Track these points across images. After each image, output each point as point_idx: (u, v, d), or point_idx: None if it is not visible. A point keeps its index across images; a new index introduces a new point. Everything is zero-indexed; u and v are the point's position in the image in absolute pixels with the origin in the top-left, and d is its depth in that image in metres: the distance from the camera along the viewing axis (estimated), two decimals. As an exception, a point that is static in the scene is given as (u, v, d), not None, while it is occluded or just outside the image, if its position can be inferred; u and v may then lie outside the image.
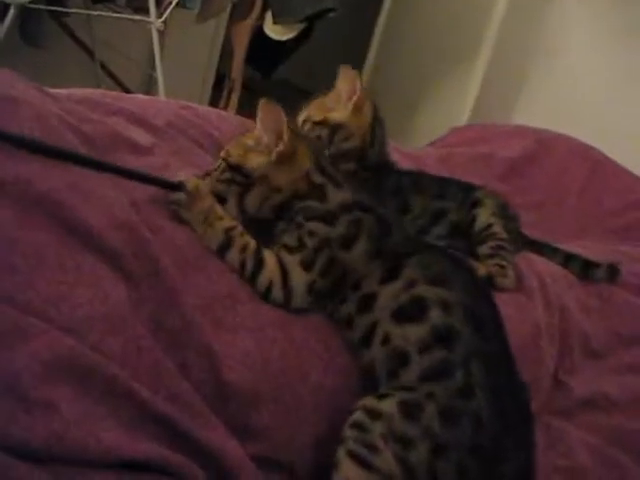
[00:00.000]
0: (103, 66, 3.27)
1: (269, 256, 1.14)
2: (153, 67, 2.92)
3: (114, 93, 1.56)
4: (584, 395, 1.43)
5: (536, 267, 1.56)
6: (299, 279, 1.13)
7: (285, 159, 1.19)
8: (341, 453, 0.98)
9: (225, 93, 3.53)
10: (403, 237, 1.21)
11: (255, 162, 1.20)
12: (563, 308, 1.51)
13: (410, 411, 0.99)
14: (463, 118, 3.33)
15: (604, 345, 1.57)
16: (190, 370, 1.00)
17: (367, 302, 1.12)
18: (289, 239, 1.16)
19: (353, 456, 0.97)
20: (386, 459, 0.97)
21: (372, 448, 0.97)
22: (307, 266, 1.14)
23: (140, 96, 1.73)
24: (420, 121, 3.63)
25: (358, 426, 0.99)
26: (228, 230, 1.14)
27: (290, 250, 1.15)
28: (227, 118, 1.68)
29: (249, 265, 1.13)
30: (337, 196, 1.19)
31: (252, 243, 1.14)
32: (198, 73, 3.73)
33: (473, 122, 3.24)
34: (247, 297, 1.11)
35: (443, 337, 1.05)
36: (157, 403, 0.91)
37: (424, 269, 1.12)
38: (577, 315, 1.54)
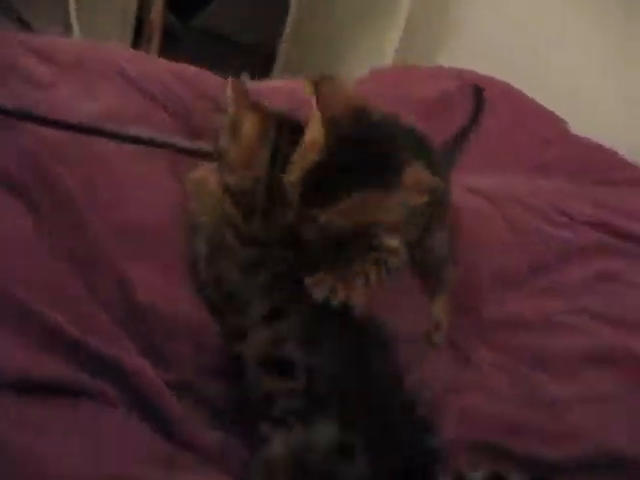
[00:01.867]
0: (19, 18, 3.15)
1: None
2: (67, 11, 2.83)
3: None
4: (497, 317, 1.47)
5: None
6: None
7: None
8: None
9: (144, 40, 3.45)
10: None
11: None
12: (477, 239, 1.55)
13: None
14: (387, 60, 3.32)
15: (517, 274, 1.61)
16: (99, 292, 1.00)
17: None
18: None
19: None
20: None
21: None
22: None
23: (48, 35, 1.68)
24: (343, 63, 3.61)
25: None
26: None
27: None
28: (141, 56, 1.65)
29: None
30: None
31: None
32: (116, 18, 3.62)
33: (397, 64, 3.23)
34: (154, 227, 1.10)
35: None
36: (66, 326, 0.91)
37: None
38: (491, 246, 1.58)
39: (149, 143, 1.19)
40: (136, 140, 1.18)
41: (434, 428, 1.06)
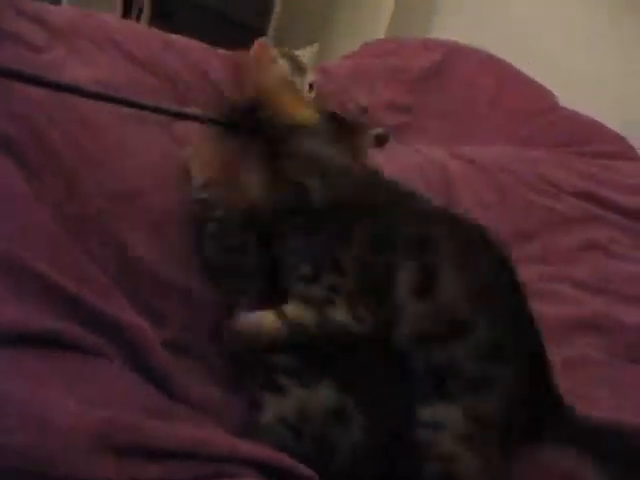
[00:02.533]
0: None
1: None
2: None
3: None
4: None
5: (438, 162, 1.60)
6: None
7: None
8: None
9: (134, 14, 3.43)
10: None
11: None
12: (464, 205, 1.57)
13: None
14: (379, 35, 3.32)
15: (502, 241, 1.62)
16: (95, 254, 1.01)
17: None
18: None
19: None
20: None
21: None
22: None
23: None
24: (335, 38, 3.61)
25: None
26: None
27: None
28: (132, 25, 1.65)
29: None
30: None
31: None
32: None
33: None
34: (148, 191, 1.12)
35: None
36: (62, 281, 0.92)
37: None
38: (477, 212, 1.60)
39: (142, 107, 1.20)
40: (130, 104, 1.18)
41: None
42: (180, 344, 1.04)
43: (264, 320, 0.99)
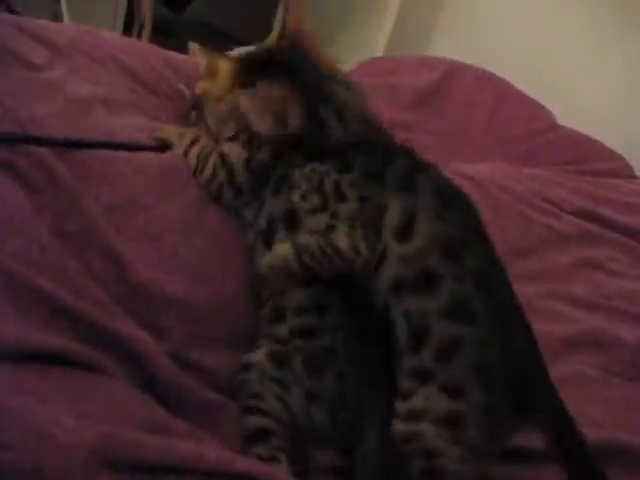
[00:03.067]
0: (7, 4, 3.15)
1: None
2: (58, 3, 2.84)
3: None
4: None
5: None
6: (237, 157, 1.19)
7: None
8: (239, 411, 1.04)
9: (134, 32, 3.45)
10: None
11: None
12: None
13: (278, 360, 1.05)
14: (378, 53, 3.34)
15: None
16: (95, 270, 1.02)
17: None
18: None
19: (246, 409, 1.03)
20: (271, 402, 1.03)
21: (257, 396, 1.03)
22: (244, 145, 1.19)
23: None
24: (337, 57, 3.62)
25: (240, 382, 1.06)
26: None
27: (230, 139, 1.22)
28: (132, 42, 1.67)
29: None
30: None
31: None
32: (107, 10, 3.63)
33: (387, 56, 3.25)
34: (148, 205, 1.13)
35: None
36: (63, 297, 0.93)
37: None
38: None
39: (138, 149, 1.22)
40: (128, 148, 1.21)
41: None
42: (180, 357, 1.05)
43: (280, 249, 1.05)
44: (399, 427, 0.95)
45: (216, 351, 1.09)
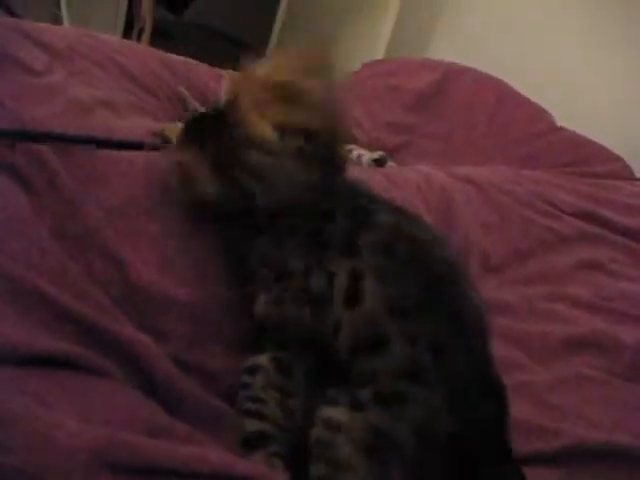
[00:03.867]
0: (7, 7, 3.15)
1: None
2: (58, 6, 2.84)
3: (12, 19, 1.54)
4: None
5: (438, 182, 1.61)
6: None
7: None
8: (238, 413, 1.03)
9: (134, 35, 3.45)
10: None
11: None
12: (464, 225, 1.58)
13: (282, 367, 1.04)
14: (378, 54, 3.34)
15: (502, 260, 1.64)
16: (96, 273, 1.02)
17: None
18: None
19: (246, 412, 1.02)
20: (272, 408, 1.01)
21: (258, 400, 1.02)
22: None
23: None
24: (337, 58, 3.63)
25: (243, 385, 1.05)
26: None
27: None
28: (131, 45, 1.67)
29: None
30: None
31: None
32: (107, 13, 3.63)
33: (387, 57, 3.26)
34: (148, 206, 1.12)
35: None
36: (64, 300, 0.93)
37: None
38: (477, 232, 1.61)
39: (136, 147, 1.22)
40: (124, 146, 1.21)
41: None
42: (182, 360, 1.04)
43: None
44: (318, 431, 0.92)
45: (217, 354, 1.09)
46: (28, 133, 1.08)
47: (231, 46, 4.27)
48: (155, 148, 1.23)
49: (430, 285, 0.98)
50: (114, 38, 1.66)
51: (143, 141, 1.22)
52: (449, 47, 3.23)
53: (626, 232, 1.94)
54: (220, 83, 1.72)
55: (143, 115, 1.35)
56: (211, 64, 1.84)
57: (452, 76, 2.47)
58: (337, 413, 0.91)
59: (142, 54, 1.59)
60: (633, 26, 2.76)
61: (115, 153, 1.16)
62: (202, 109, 1.54)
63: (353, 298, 0.97)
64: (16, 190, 1.01)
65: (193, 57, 1.81)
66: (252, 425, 1.01)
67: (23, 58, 1.27)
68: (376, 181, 1.56)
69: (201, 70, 1.77)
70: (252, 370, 1.05)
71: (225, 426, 1.00)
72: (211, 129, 1.13)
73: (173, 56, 1.70)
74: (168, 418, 0.92)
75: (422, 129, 2.18)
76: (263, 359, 1.05)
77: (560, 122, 2.47)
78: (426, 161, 2.03)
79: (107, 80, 1.39)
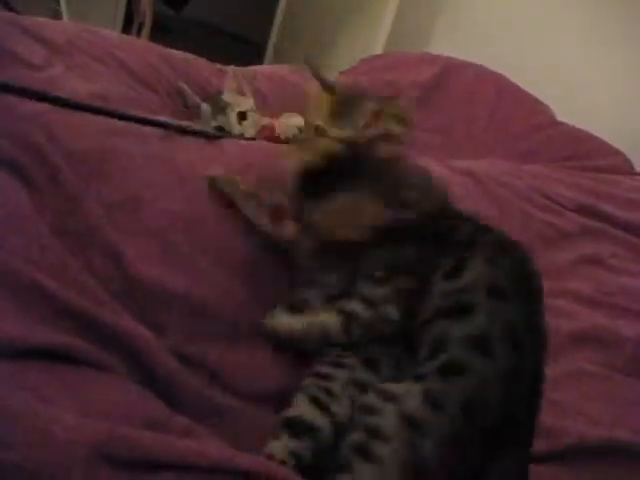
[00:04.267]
0: (5, 2, 3.15)
1: None
2: (57, 1, 2.84)
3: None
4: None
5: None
6: None
7: None
8: (300, 396, 1.02)
9: (134, 30, 3.44)
10: None
11: None
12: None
13: (370, 363, 1.04)
14: (377, 51, 3.34)
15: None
16: (96, 269, 1.02)
17: None
18: None
19: (312, 399, 1.01)
20: (343, 407, 1.01)
21: (332, 395, 1.02)
22: None
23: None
24: (336, 55, 3.63)
25: (322, 375, 1.04)
26: None
27: None
28: (130, 40, 1.66)
29: None
30: None
31: None
32: (107, 7, 3.62)
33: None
34: (148, 200, 1.12)
35: None
36: (65, 295, 0.93)
37: None
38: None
39: (147, 122, 1.21)
40: (135, 119, 1.20)
41: None
42: (181, 353, 1.04)
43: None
44: (368, 398, 0.95)
45: (217, 347, 1.09)
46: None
47: (231, 42, 4.27)
48: (182, 130, 1.23)
49: (523, 287, 1.05)
50: (113, 33, 1.65)
51: (167, 121, 1.22)
52: (449, 44, 3.23)
53: (627, 227, 1.93)
54: (221, 78, 1.72)
55: (142, 110, 1.35)
56: (211, 60, 1.84)
57: (452, 70, 2.46)
58: (395, 386, 0.94)
59: (141, 49, 1.59)
60: (633, 24, 2.76)
61: (114, 148, 1.16)
62: (206, 106, 1.54)
63: (453, 272, 1.02)
64: (16, 186, 1.01)
65: (193, 53, 1.80)
66: (308, 412, 1.00)
67: (22, 53, 1.27)
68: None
69: (201, 65, 1.77)
70: (338, 364, 1.05)
71: (227, 420, 0.99)
72: (364, 170, 1.18)
73: (172, 51, 1.70)
74: (168, 412, 0.92)
75: (422, 124, 2.16)
76: (351, 357, 1.06)
77: (560, 118, 2.46)
78: (426, 155, 2.02)
79: (106, 75, 1.39)
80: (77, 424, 0.78)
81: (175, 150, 1.24)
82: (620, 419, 1.22)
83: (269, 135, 1.62)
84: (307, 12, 3.85)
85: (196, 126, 1.34)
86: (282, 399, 1.10)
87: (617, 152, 2.37)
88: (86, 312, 0.94)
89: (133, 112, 1.27)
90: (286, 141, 1.61)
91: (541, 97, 2.52)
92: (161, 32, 3.50)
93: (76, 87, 1.26)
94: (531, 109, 2.43)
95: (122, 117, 1.19)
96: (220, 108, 1.53)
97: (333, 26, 3.69)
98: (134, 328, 0.98)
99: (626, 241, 1.89)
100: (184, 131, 1.27)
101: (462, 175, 1.76)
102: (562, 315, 1.52)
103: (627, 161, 2.37)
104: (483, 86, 2.44)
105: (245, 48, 4.21)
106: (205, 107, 1.54)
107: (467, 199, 1.66)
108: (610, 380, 1.35)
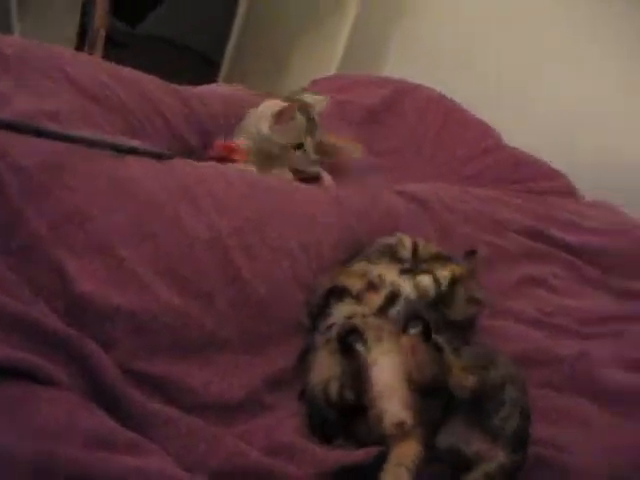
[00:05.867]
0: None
1: None
2: (9, 16, 2.82)
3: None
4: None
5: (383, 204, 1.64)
6: None
7: None
8: None
9: (87, 45, 3.42)
10: None
11: None
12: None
13: None
14: (331, 71, 3.36)
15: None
16: (40, 285, 1.02)
17: None
18: None
19: None
20: None
21: None
22: None
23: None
24: (290, 75, 3.65)
25: None
26: None
27: None
28: (82, 56, 1.67)
29: None
30: None
31: None
32: (60, 24, 3.60)
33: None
34: (94, 215, 1.13)
35: None
36: (8, 305, 0.94)
37: None
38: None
39: (95, 144, 1.22)
40: (81, 141, 1.21)
41: None
42: (128, 368, 1.05)
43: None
44: None
45: (163, 361, 1.10)
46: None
47: (187, 58, 4.28)
48: (170, 157, 1.26)
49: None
50: (66, 49, 1.65)
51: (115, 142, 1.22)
52: (403, 64, 3.25)
53: (569, 249, 1.98)
54: (173, 97, 1.73)
55: (91, 127, 1.35)
56: (166, 74, 1.84)
57: (402, 93, 2.50)
58: None
59: (94, 66, 1.58)
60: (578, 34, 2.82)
61: (63, 163, 1.16)
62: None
63: None
64: None
65: (149, 68, 1.80)
66: None
67: None
68: (322, 200, 1.58)
69: (154, 84, 1.77)
70: None
71: (174, 435, 0.99)
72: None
73: (126, 69, 1.70)
74: (113, 425, 0.92)
75: (371, 146, 2.19)
76: None
77: (509, 140, 2.51)
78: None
79: (56, 91, 1.38)
80: (16, 444, 0.78)
81: (123, 168, 1.25)
82: (563, 436, 1.25)
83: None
84: (263, 30, 3.87)
85: (145, 146, 1.34)
86: (230, 410, 1.12)
87: (561, 175, 2.43)
88: (30, 321, 0.94)
89: (83, 131, 1.27)
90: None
91: (491, 120, 2.57)
92: (116, 48, 3.49)
93: (25, 103, 1.26)
94: (479, 133, 2.48)
95: (67, 139, 1.19)
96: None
97: (288, 44, 3.71)
98: (80, 337, 0.98)
99: (568, 263, 1.94)
100: (133, 151, 1.28)
101: (407, 201, 1.79)
102: (503, 336, 1.55)
103: (570, 185, 2.42)
104: (433, 109, 2.48)
105: (201, 64, 4.22)
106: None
107: (410, 226, 1.69)
108: (546, 398, 1.38)
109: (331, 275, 1.40)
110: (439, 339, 1.18)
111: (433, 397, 1.14)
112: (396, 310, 1.29)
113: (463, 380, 1.13)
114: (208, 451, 1.00)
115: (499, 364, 1.20)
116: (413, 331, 1.18)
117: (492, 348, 1.33)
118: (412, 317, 1.21)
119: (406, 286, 1.36)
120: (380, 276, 1.37)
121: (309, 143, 1.79)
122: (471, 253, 1.55)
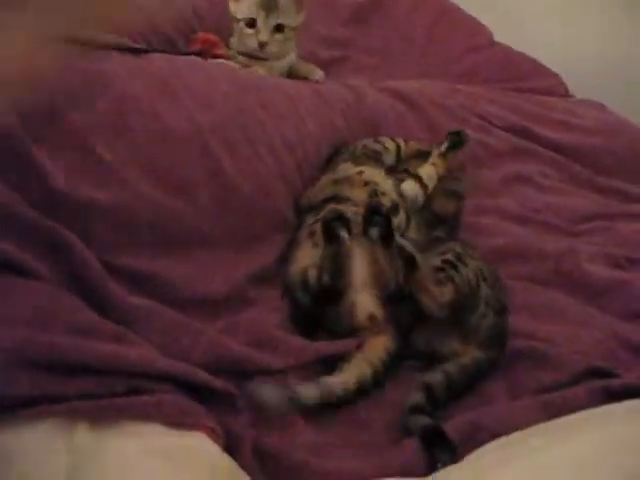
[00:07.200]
0: None
1: None
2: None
3: None
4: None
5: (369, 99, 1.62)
6: None
7: None
8: None
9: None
10: None
11: None
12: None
13: None
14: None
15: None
16: (15, 181, 1.01)
17: None
18: None
19: None
20: None
21: None
22: None
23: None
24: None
25: None
26: None
27: None
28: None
29: None
30: None
31: None
32: None
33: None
34: (68, 111, 1.11)
35: None
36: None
37: None
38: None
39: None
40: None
41: None
42: (109, 263, 1.05)
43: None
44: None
45: (146, 256, 1.10)
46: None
47: None
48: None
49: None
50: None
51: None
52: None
53: (557, 147, 1.96)
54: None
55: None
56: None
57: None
58: None
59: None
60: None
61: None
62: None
63: None
64: None
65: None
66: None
67: None
68: (306, 96, 1.56)
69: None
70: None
71: (155, 330, 1.00)
72: None
73: None
74: (93, 317, 0.93)
75: (358, 44, 2.15)
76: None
77: (498, 37, 2.45)
78: (362, 76, 2.02)
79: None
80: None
81: (97, 62, 1.22)
82: (541, 329, 1.27)
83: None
84: None
85: (121, 40, 1.30)
86: (213, 305, 1.13)
87: (552, 74, 2.38)
88: (10, 212, 0.94)
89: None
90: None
91: (482, 19, 2.51)
92: None
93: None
94: (470, 30, 2.41)
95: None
96: None
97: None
98: (61, 228, 0.98)
99: (556, 161, 1.93)
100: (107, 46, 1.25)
101: (393, 97, 1.76)
102: (488, 232, 1.56)
103: (562, 84, 2.38)
104: (422, 7, 2.42)
105: None
106: None
107: (398, 122, 1.67)
108: (531, 291, 1.39)
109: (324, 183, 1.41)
110: (407, 246, 1.18)
111: (400, 303, 1.16)
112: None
113: (438, 296, 1.14)
114: (191, 344, 1.01)
115: (467, 260, 1.22)
116: (373, 232, 1.17)
117: (462, 242, 1.35)
118: (373, 211, 1.19)
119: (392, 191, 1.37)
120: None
121: (262, 18, 1.66)
122: (455, 134, 1.54)
